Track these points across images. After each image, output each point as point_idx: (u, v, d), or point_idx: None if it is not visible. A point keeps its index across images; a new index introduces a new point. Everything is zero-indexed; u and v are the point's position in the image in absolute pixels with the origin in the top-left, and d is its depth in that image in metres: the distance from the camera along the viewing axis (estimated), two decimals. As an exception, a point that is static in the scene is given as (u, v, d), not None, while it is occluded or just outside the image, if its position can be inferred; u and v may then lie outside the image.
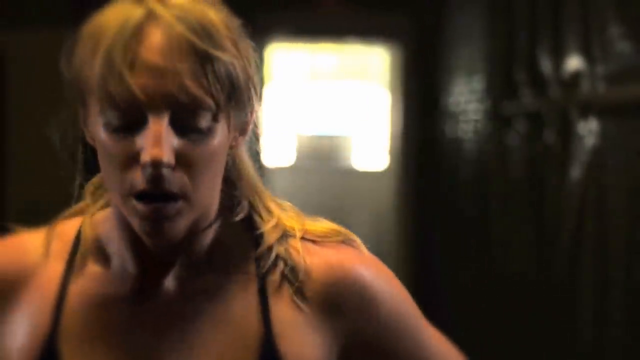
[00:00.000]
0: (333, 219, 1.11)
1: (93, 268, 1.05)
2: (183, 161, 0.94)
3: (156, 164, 0.91)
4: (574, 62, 3.45)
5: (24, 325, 1.03)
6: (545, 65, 3.77)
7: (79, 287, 1.04)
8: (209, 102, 0.92)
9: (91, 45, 0.94)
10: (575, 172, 3.40)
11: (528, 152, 4.01)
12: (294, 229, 1.05)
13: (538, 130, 3.86)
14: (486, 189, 4.61)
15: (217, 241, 1.04)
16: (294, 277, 1.02)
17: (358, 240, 1.09)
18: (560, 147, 3.58)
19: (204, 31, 0.92)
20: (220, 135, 0.96)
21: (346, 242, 1.08)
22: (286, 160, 8.26)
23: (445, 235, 5.50)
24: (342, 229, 1.08)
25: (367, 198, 7.50)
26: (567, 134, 3.51)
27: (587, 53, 3.32)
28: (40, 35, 4.95)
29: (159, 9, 0.93)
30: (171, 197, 0.94)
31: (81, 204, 1.11)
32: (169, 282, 1.03)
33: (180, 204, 0.95)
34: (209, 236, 1.03)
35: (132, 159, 0.94)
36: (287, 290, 1.03)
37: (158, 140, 0.91)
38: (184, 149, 0.94)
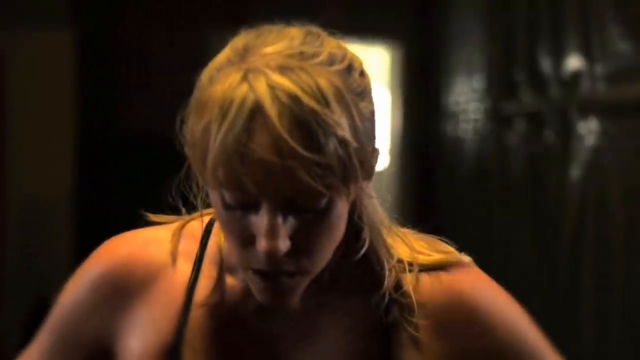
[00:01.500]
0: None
1: (218, 275, 1.03)
2: (300, 242, 0.92)
3: (271, 255, 0.90)
4: (574, 62, 3.45)
5: (149, 328, 1.02)
6: (545, 65, 3.77)
7: (205, 295, 1.02)
8: (324, 190, 0.88)
9: (202, 125, 0.90)
10: (575, 172, 3.40)
11: (528, 152, 4.01)
12: (409, 264, 1.05)
13: (538, 130, 3.86)
14: (486, 189, 4.61)
15: (338, 265, 1.02)
16: (408, 315, 1.02)
17: (469, 260, 1.09)
18: (560, 147, 3.58)
19: (315, 120, 0.87)
20: (340, 205, 0.93)
21: (457, 265, 1.08)
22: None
23: (445, 235, 5.48)
24: (451, 252, 1.09)
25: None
26: (567, 134, 3.51)
27: (587, 53, 3.32)
28: (40, 35, 4.95)
29: (267, 100, 0.87)
30: (289, 273, 0.93)
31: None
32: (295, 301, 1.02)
33: (297, 278, 0.94)
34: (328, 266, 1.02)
35: (248, 237, 0.92)
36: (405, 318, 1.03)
37: (273, 232, 0.89)
38: (300, 230, 0.91)
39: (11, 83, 4.92)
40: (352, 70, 0.93)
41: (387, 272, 1.03)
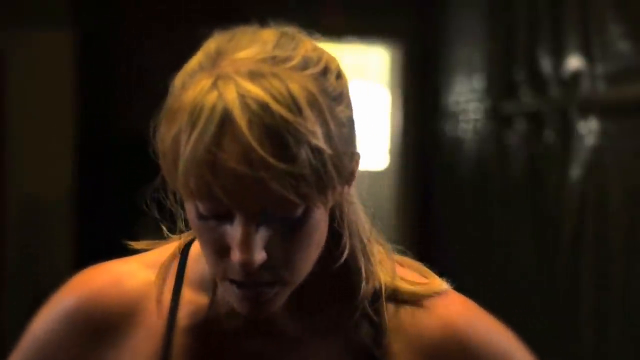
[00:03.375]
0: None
1: (199, 299, 1.01)
2: (277, 252, 0.89)
3: (246, 267, 0.88)
4: (574, 62, 3.45)
5: None
6: (545, 65, 3.77)
7: (186, 320, 1.01)
8: (298, 201, 0.85)
9: (172, 134, 0.88)
10: (575, 172, 3.40)
11: (528, 152, 4.01)
12: (386, 286, 1.01)
13: (538, 130, 3.86)
14: (486, 189, 4.61)
15: (316, 273, 0.99)
16: (376, 340, 1.00)
17: (449, 288, 1.05)
18: (560, 147, 3.58)
19: (286, 129, 0.84)
20: (318, 213, 0.90)
21: (442, 294, 1.04)
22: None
23: (445, 235, 5.49)
24: (432, 281, 1.04)
25: (367, 197, 7.50)
26: (567, 134, 3.51)
27: (587, 53, 3.32)
28: (40, 35, 4.95)
29: (236, 109, 0.84)
30: (267, 284, 0.91)
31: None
32: (276, 315, 0.99)
33: (276, 288, 0.91)
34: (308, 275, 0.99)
35: (223, 247, 0.89)
36: (398, 343, 1.01)
37: (247, 244, 0.87)
38: (277, 240, 0.88)
39: (11, 83, 4.92)
40: (327, 74, 0.90)
41: (364, 283, 1.00)
